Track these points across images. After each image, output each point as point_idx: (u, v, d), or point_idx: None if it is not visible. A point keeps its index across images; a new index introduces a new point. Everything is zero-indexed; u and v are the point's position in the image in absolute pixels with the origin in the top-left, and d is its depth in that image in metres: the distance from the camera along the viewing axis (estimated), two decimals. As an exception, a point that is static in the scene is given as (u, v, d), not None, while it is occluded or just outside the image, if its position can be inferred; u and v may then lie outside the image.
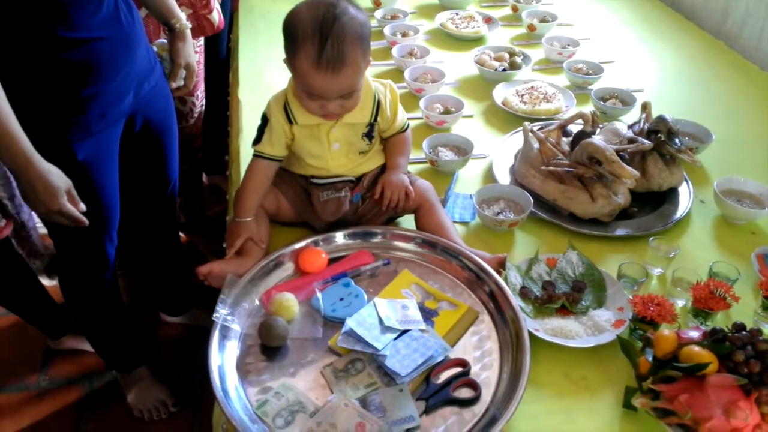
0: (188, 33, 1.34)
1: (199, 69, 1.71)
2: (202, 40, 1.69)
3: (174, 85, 1.35)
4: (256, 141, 1.12)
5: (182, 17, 1.32)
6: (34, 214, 1.96)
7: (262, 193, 1.12)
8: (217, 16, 1.65)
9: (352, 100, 1.04)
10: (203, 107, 1.81)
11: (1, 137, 0.94)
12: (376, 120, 1.12)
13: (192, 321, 1.81)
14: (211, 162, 2.13)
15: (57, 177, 1.01)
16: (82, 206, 1.07)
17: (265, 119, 1.11)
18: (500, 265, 1.07)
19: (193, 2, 1.57)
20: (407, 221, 1.20)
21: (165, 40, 1.35)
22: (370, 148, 1.14)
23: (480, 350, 0.96)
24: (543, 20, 1.97)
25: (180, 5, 1.56)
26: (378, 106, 1.11)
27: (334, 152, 1.11)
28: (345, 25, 0.97)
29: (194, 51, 1.65)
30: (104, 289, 1.37)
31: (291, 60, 1.01)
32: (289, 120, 1.08)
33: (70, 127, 1.07)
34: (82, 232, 1.23)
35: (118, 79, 1.12)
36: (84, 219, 1.08)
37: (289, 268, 1.08)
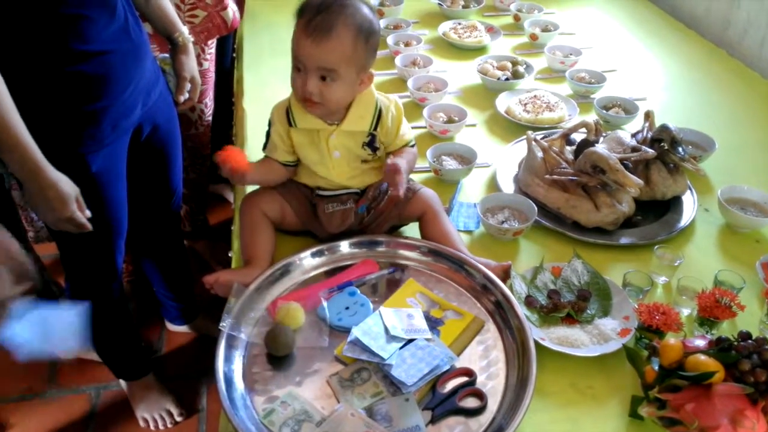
0: (190, 46, 1.35)
1: (209, 77, 1.72)
2: (213, 48, 1.70)
3: (181, 99, 1.36)
4: (265, 145, 1.15)
5: (185, 31, 1.33)
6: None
7: (272, 178, 1.13)
8: (230, 13, 1.65)
9: (331, 88, 1.02)
10: (212, 115, 1.82)
11: (14, 148, 0.95)
12: (376, 129, 1.11)
13: (198, 330, 1.82)
14: (214, 171, 2.14)
15: (67, 184, 1.03)
16: (88, 213, 1.09)
17: (270, 124, 1.14)
18: (505, 273, 1.08)
19: (208, 3, 1.58)
20: (412, 230, 1.21)
21: (167, 55, 1.37)
22: (372, 158, 1.14)
23: (486, 359, 0.96)
24: (545, 29, 1.98)
25: (195, 8, 1.57)
26: (379, 116, 1.11)
27: (336, 161, 1.11)
28: (345, 9, 0.99)
29: (205, 58, 1.67)
30: (112, 298, 1.38)
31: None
32: (289, 122, 1.09)
33: (84, 139, 1.09)
34: (93, 242, 1.24)
35: (129, 91, 1.13)
36: (89, 225, 1.09)
37: (295, 276, 1.08)
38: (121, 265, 1.34)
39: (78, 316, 0.88)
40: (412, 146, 1.18)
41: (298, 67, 1.03)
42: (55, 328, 0.87)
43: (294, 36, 1.02)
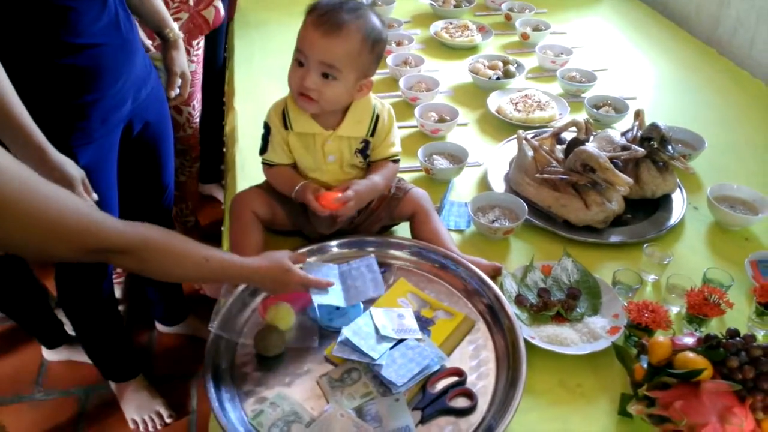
0: (181, 42, 1.35)
1: (196, 79, 1.71)
2: (201, 49, 1.69)
3: (172, 94, 1.35)
4: (262, 150, 1.12)
5: (175, 27, 1.33)
6: None
7: (290, 172, 1.11)
8: (212, 11, 1.64)
9: (330, 86, 1.01)
10: (200, 117, 1.81)
11: (18, 131, 0.95)
12: (372, 135, 1.10)
13: (187, 331, 1.81)
14: (204, 170, 2.13)
15: (72, 167, 1.03)
16: (95, 196, 1.08)
17: (266, 128, 1.11)
18: (495, 272, 1.08)
19: (191, 5, 1.57)
20: (402, 229, 1.21)
21: (153, 50, 1.36)
22: (362, 165, 1.13)
23: (476, 359, 0.96)
24: (536, 29, 1.98)
25: (180, 11, 1.56)
26: (377, 122, 1.10)
27: (330, 165, 1.10)
28: (358, 13, 0.99)
29: (192, 59, 1.66)
30: (101, 297, 1.37)
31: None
32: (285, 126, 1.08)
33: (73, 132, 1.08)
34: None
35: (119, 85, 1.13)
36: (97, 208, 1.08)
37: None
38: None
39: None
40: (396, 161, 1.14)
41: (300, 61, 1.02)
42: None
43: (301, 29, 1.01)
